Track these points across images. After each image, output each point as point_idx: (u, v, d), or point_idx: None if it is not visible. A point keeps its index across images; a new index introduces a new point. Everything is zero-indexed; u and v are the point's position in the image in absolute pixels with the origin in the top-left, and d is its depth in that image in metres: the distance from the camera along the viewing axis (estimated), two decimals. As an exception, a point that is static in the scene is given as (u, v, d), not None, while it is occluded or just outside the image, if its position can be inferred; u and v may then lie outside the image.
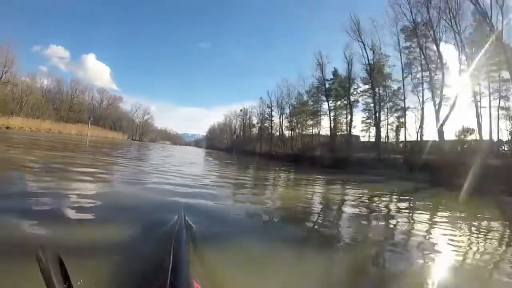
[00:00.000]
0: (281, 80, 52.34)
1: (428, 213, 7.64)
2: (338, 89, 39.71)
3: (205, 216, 4.61)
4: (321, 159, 31.16)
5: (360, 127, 37.55)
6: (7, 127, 41.74)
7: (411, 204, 9.28)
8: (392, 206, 8.53)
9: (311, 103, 46.20)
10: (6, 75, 57.50)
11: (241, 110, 73.03)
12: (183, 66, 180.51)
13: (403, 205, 9.10)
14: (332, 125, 40.07)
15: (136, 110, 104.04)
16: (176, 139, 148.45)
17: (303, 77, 46.42)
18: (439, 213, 7.91)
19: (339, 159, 29.18)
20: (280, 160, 37.48)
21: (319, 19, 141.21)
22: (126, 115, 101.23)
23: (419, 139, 28.69)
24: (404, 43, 31.05)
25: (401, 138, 32.21)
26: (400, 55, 30.83)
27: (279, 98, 53.33)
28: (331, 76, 41.55)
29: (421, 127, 28.67)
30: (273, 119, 56.80)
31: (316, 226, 5.32)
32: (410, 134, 30.35)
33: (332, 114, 41.63)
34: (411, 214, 7.31)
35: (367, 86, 36.51)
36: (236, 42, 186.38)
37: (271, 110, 56.55)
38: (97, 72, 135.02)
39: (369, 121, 37.03)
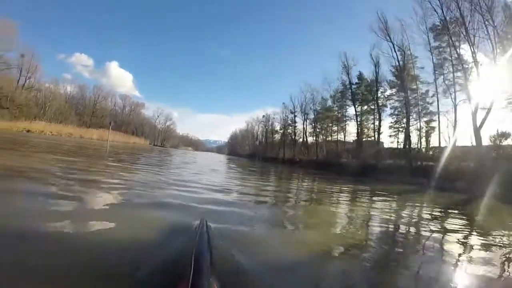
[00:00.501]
0: (304, 85, 51.08)
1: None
2: (364, 93, 38.15)
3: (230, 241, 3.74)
4: (348, 167, 29.61)
5: (387, 133, 35.95)
6: (28, 131, 42.19)
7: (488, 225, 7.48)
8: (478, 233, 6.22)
9: (336, 108, 44.69)
10: (29, 80, 60.43)
11: (263, 116, 72.07)
12: (204, 73, 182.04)
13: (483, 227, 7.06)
14: (358, 130, 38.42)
15: (158, 116, 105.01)
16: (197, 145, 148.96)
17: (328, 81, 44.72)
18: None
19: (368, 167, 27.72)
20: (304, 167, 36.13)
21: (341, 22, 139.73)
22: (148, 121, 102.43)
23: (451, 144, 27.00)
24: (434, 43, 29.46)
25: (432, 143, 30.49)
26: (432, 55, 29.17)
27: (302, 103, 52.05)
28: (356, 80, 40.02)
29: (454, 131, 26.91)
30: (296, 124, 55.60)
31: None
32: (442, 139, 28.76)
33: (358, 119, 40.23)
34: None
35: (394, 90, 35.09)
36: (257, 48, 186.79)
37: (295, 116, 55.40)
38: (120, 79, 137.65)
39: (397, 126, 35.43)
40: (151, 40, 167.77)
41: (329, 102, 46.38)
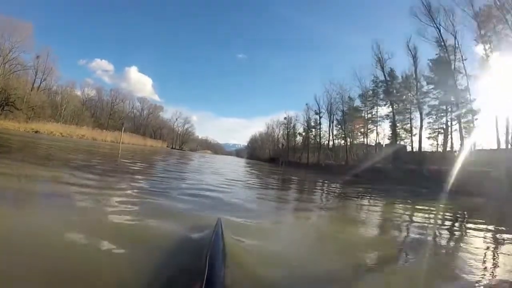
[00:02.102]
0: (329, 83, 47.02)
1: None
2: (400, 89, 34.16)
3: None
4: (387, 173, 25.84)
5: (424, 134, 32.13)
6: (36, 131, 40.66)
7: None
8: None
9: (366, 108, 40.81)
10: (44, 82, 59.16)
11: (285, 118, 67.98)
12: (223, 77, 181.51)
13: None
14: (393, 132, 34.59)
15: (176, 119, 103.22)
16: (216, 149, 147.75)
17: (359, 77, 40.45)
18: None
19: (410, 172, 23.96)
20: (332, 173, 32.20)
21: (366, 16, 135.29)
22: (167, 124, 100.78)
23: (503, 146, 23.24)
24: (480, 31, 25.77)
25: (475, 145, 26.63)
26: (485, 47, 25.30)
27: (328, 103, 47.80)
28: (389, 76, 35.94)
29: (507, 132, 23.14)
30: (321, 126, 51.65)
31: None
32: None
33: (394, 119, 36.48)
34: None
35: (431, 86, 31.33)
36: (274, 50, 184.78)
37: (320, 117, 51.31)
38: (139, 84, 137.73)
39: (436, 127, 31.60)
40: (170, 45, 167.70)
41: (357, 102, 42.72)
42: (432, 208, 10.12)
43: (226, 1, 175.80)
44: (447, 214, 9.35)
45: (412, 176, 23.01)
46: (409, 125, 33.85)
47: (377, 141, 39.12)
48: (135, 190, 6.65)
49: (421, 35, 29.80)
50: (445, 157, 26.92)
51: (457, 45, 27.01)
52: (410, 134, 33.25)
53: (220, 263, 2.39)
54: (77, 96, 70.64)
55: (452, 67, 27.17)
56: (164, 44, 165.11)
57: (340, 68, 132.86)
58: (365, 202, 10.82)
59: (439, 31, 27.94)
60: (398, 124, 35.10)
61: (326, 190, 13.71)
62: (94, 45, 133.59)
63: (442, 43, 27.84)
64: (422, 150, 31.88)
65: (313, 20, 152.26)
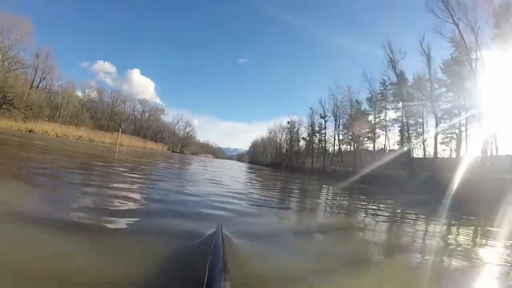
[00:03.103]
0: (335, 86, 45.48)
1: None
2: (412, 92, 32.53)
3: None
4: (400, 181, 24.21)
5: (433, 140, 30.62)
6: (30, 131, 39.11)
7: None
8: None
9: (376, 112, 39.32)
10: (44, 81, 58.24)
11: (288, 123, 66.17)
12: (224, 82, 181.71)
13: None
14: (406, 136, 33.04)
15: (177, 122, 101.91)
16: (218, 153, 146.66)
17: (369, 79, 39.00)
18: None
19: (425, 180, 22.38)
20: (338, 179, 30.52)
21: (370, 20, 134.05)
22: (168, 127, 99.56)
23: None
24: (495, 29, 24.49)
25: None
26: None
27: (335, 106, 46.27)
28: (399, 78, 34.14)
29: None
30: (326, 131, 50.14)
31: None
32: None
33: (399, 124, 35.13)
34: None
35: (444, 89, 30.00)
36: (276, 55, 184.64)
37: (325, 121, 49.76)
38: (141, 86, 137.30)
39: (450, 131, 30.09)
40: (173, 49, 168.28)
41: (365, 105, 41.35)
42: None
43: (228, 7, 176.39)
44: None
45: (429, 185, 21.37)
46: (420, 129, 32.38)
47: (387, 147, 37.64)
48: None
49: (438, 32, 28.11)
50: (459, 163, 25.43)
51: (476, 43, 25.42)
52: (422, 139, 31.73)
53: (220, 271, 2.32)
54: (78, 96, 69.41)
55: (470, 66, 25.66)
56: (166, 48, 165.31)
57: (346, 74, 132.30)
58: (429, 228, 8.07)
59: (458, 26, 26.32)
60: (408, 129, 33.70)
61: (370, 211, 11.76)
62: (97, 47, 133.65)
63: (461, 42, 26.30)
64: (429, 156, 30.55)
65: (317, 25, 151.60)
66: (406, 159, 30.25)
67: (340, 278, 3.43)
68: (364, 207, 10.84)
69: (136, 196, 6.37)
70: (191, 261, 2.98)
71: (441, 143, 30.22)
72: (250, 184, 14.60)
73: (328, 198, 13.61)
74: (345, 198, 14.18)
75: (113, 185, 7.62)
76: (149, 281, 2.49)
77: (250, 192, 10.53)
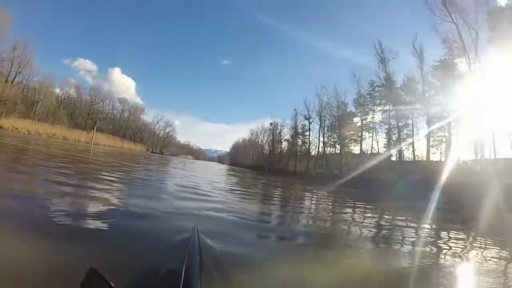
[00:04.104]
0: (321, 87, 44.35)
1: None
2: (401, 93, 31.67)
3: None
4: (390, 185, 22.97)
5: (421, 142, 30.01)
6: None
7: None
8: None
9: (362, 113, 38.21)
10: (19, 75, 54.79)
11: (271, 124, 64.72)
12: (206, 83, 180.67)
13: None
14: (392, 140, 32.17)
15: (157, 122, 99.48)
16: (198, 154, 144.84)
17: (357, 79, 37.85)
18: None
19: (418, 184, 21.25)
20: (323, 182, 29.14)
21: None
22: (147, 127, 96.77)
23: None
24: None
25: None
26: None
27: (320, 107, 44.98)
28: (390, 78, 33.22)
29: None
30: (310, 133, 48.99)
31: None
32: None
33: (386, 126, 34.25)
34: None
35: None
36: (259, 57, 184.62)
37: (310, 122, 48.45)
38: (122, 86, 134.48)
39: (441, 134, 29.30)
40: (154, 49, 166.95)
41: (351, 107, 40.23)
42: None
43: (211, 9, 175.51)
44: None
45: (419, 189, 20.23)
46: (409, 131, 31.47)
47: (375, 149, 36.68)
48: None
49: (435, 30, 27.68)
50: (450, 166, 24.55)
51: (474, 43, 24.65)
52: (411, 142, 30.88)
53: (197, 273, 2.31)
54: (55, 93, 66.78)
55: (469, 67, 24.84)
56: (148, 48, 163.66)
57: (333, 77, 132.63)
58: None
59: (457, 26, 25.51)
60: (395, 131, 32.90)
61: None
62: (78, 45, 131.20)
63: (459, 41, 25.47)
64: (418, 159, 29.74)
65: (302, 28, 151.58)
66: (395, 162, 29.31)
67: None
68: (353, 218, 9.47)
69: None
70: (167, 264, 2.85)
71: (431, 146, 29.29)
72: (232, 193, 12.90)
73: (315, 207, 12.15)
74: (332, 206, 12.82)
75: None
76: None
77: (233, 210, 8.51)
